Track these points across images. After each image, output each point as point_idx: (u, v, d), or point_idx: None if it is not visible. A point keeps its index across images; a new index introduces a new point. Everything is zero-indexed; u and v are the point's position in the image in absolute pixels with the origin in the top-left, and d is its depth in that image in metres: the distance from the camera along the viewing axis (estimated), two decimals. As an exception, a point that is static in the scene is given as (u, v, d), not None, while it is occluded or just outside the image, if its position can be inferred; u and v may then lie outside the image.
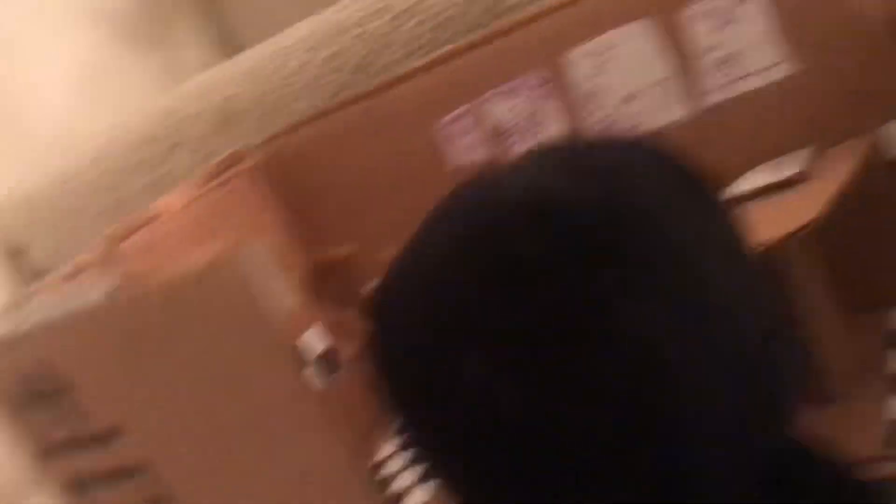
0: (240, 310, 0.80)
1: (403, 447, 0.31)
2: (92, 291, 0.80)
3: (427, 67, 1.02)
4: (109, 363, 0.81)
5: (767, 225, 0.66)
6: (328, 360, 1.17)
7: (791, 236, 0.61)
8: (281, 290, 1.16)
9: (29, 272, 1.63)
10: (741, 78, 0.85)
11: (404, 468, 1.05)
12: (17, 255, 1.68)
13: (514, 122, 0.98)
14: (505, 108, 0.98)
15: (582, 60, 0.91)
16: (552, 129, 0.96)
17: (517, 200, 0.31)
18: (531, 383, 0.30)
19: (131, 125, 1.54)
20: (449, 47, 1.02)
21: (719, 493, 0.30)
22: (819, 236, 0.84)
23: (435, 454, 0.32)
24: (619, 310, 0.29)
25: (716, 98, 0.87)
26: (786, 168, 0.76)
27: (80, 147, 1.67)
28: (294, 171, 1.14)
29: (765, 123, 0.86)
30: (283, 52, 1.25)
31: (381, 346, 0.32)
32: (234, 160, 1.15)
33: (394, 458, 1.09)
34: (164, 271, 0.91)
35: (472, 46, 0.98)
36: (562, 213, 0.30)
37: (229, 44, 2.49)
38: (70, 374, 0.82)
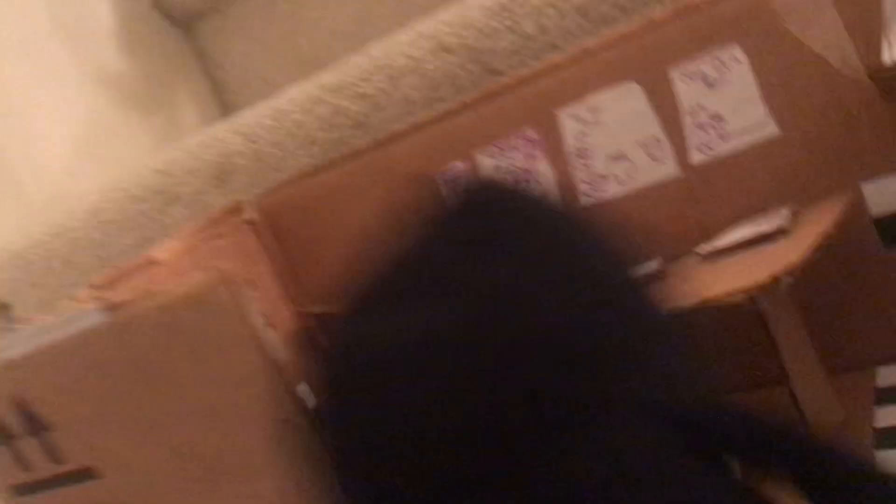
0: (230, 339, 0.79)
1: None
2: (70, 324, 0.80)
3: (423, 125, 1.05)
4: (86, 398, 0.80)
5: (747, 273, 0.67)
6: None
7: (771, 282, 0.62)
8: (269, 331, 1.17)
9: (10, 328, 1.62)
10: (725, 138, 0.88)
11: None
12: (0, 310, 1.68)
13: (506, 178, 1.01)
14: (493, 164, 1.00)
15: (570, 121, 0.94)
16: (544, 184, 0.98)
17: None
18: None
19: (125, 182, 1.56)
20: (444, 107, 1.04)
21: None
22: (799, 294, 0.86)
23: None
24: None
25: (701, 157, 0.89)
26: (767, 223, 0.78)
27: (75, 206, 1.68)
28: (290, 225, 1.15)
29: (748, 181, 0.89)
30: (280, 111, 1.28)
31: None
32: (231, 212, 1.17)
33: None
34: (149, 300, 0.91)
35: (465, 106, 1.01)
36: None
37: (226, 105, 2.54)
38: (44, 411, 0.81)
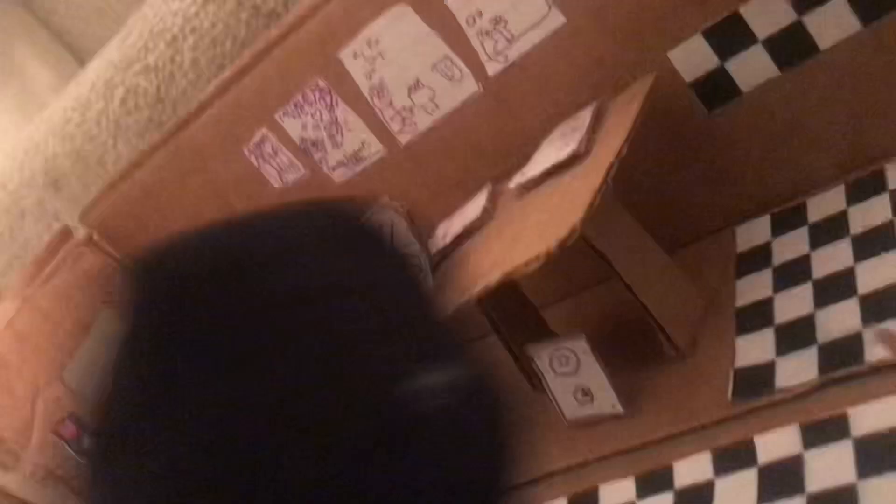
0: None
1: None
2: None
3: (211, 100, 0.95)
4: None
5: (542, 232, 0.62)
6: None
7: (560, 245, 0.57)
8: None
9: None
10: (513, 39, 0.79)
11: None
12: None
13: (316, 134, 0.92)
14: (299, 124, 0.91)
15: (353, 60, 0.85)
16: (355, 129, 0.90)
17: None
18: None
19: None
20: (229, 71, 0.94)
21: None
22: (633, 177, 0.80)
23: None
24: None
25: (497, 66, 0.81)
26: (569, 141, 0.71)
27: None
28: (124, 233, 1.08)
29: (553, 78, 0.81)
30: (83, 102, 1.17)
31: None
32: (63, 238, 1.09)
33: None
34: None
35: (243, 71, 0.91)
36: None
37: (76, 50, 2.36)
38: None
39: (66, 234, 1.08)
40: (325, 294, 0.34)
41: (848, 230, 0.73)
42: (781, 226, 0.79)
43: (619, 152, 0.64)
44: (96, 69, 1.18)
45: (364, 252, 0.36)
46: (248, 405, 0.31)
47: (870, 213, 0.73)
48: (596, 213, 0.62)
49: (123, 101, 1.11)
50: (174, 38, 1.03)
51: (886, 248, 0.68)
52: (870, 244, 0.70)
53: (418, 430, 0.32)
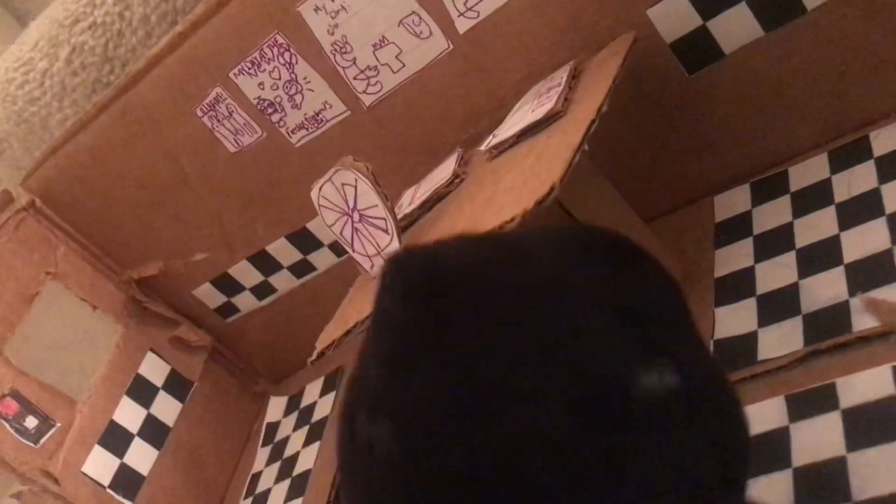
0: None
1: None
2: None
3: (161, 56, 0.89)
4: None
5: (517, 194, 0.58)
6: (176, 380, 1.09)
7: (536, 205, 0.53)
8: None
9: None
10: (486, -5, 0.75)
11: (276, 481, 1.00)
12: None
13: (274, 94, 0.87)
14: (255, 83, 0.86)
15: (314, 14, 0.80)
16: (317, 89, 0.85)
17: None
18: None
19: None
20: (183, 22, 0.88)
21: None
22: (615, 142, 0.77)
23: None
24: None
25: (468, 22, 0.76)
26: (543, 101, 0.67)
27: None
28: (69, 199, 1.02)
29: (526, 37, 0.77)
30: (25, 62, 1.09)
31: None
32: (2, 204, 1.02)
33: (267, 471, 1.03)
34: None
35: (203, 19, 0.85)
36: None
37: (19, 15, 2.26)
38: None
39: (6, 199, 1.01)
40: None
41: (832, 198, 0.70)
42: (762, 194, 0.76)
43: (599, 109, 0.60)
44: (40, 27, 1.11)
45: (626, 265, 0.38)
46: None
47: (854, 181, 0.70)
48: (573, 180, 0.58)
49: (69, 60, 1.05)
50: (119, -6, 0.97)
51: (872, 216, 0.66)
52: (855, 212, 0.68)
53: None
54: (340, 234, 0.75)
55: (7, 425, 0.93)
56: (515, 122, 0.69)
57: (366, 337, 0.38)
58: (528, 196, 0.56)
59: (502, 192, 0.61)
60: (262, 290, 1.06)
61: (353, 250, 0.75)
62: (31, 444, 0.93)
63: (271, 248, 1.01)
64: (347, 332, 0.70)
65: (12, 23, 2.16)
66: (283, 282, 1.04)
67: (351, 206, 0.73)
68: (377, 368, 0.35)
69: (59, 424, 0.96)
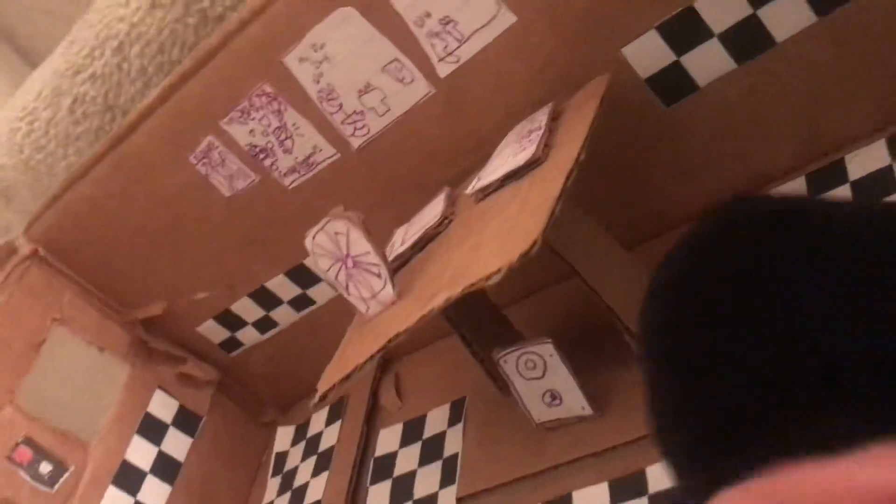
0: None
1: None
2: None
3: (153, 108, 0.91)
4: None
5: (501, 244, 0.60)
6: (185, 415, 1.12)
7: (521, 258, 0.55)
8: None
9: None
10: (464, 40, 0.77)
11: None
12: None
13: (265, 140, 0.89)
14: (246, 130, 0.88)
15: (299, 64, 0.82)
16: (306, 134, 0.88)
17: None
18: None
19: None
20: (172, 76, 0.91)
21: None
22: (585, 177, 0.79)
23: None
24: None
25: (449, 67, 0.79)
26: (524, 148, 0.69)
27: None
28: (71, 246, 1.04)
29: (506, 78, 0.79)
30: (29, 112, 1.12)
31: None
32: (6, 254, 1.05)
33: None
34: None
35: (192, 72, 0.87)
36: None
37: (24, 52, 2.28)
38: None
39: (9, 250, 1.04)
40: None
41: (809, 224, 0.72)
42: (742, 220, 0.78)
43: (578, 158, 0.63)
44: (42, 78, 1.13)
45: None
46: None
47: (830, 206, 0.72)
48: (557, 223, 0.60)
49: (71, 109, 1.07)
50: (121, 44, 0.99)
51: (848, 242, 0.68)
52: (831, 238, 0.69)
53: None
54: (336, 279, 0.77)
55: (22, 473, 0.95)
56: (499, 166, 0.71)
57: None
58: (514, 248, 0.58)
59: (488, 241, 0.64)
60: (264, 325, 1.08)
61: (349, 293, 0.77)
62: (48, 490, 0.96)
63: (271, 285, 1.03)
64: (347, 377, 0.72)
65: (16, 59, 2.19)
66: (284, 316, 1.07)
67: (344, 252, 0.75)
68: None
69: (72, 468, 0.99)
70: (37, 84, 1.14)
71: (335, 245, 0.76)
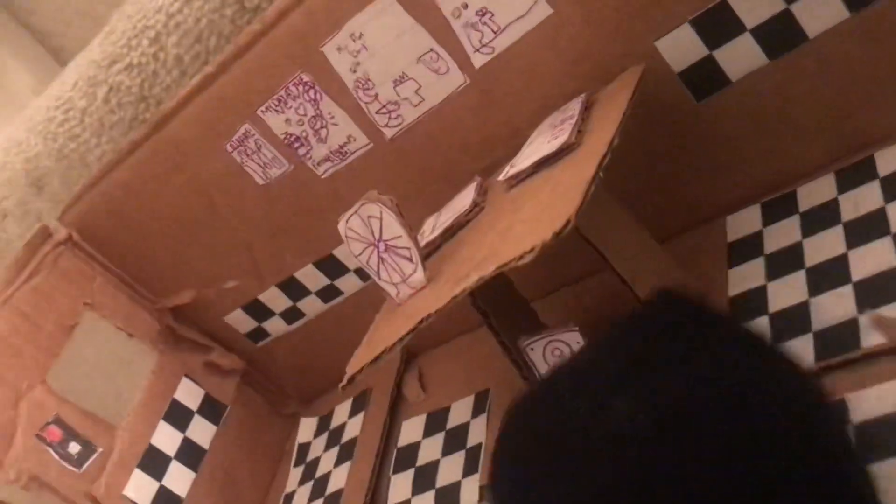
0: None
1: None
2: None
3: (192, 95, 0.93)
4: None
5: (535, 225, 0.61)
6: (210, 404, 1.13)
7: (554, 237, 0.56)
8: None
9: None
10: (500, 31, 0.78)
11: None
12: None
13: (300, 129, 0.91)
14: (282, 119, 0.90)
15: (337, 54, 0.83)
16: (341, 123, 0.89)
17: None
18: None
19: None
20: (210, 66, 0.93)
21: None
22: (626, 166, 0.80)
23: None
24: None
25: (484, 58, 0.80)
26: (558, 134, 0.70)
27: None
28: (105, 232, 1.06)
29: (539, 69, 0.80)
30: (65, 101, 1.15)
31: None
32: (41, 238, 1.07)
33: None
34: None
35: (225, 66, 0.89)
36: None
37: (55, 51, 2.33)
38: None
39: (44, 233, 1.06)
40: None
41: (840, 218, 0.73)
42: (772, 214, 0.79)
43: (612, 142, 0.64)
44: (78, 67, 1.16)
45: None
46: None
47: (861, 201, 0.73)
48: (588, 206, 0.61)
49: (106, 99, 1.10)
50: (157, 34, 1.01)
51: (879, 235, 0.68)
52: (862, 231, 0.70)
53: None
54: (367, 263, 0.78)
55: (52, 451, 0.97)
56: (532, 153, 0.73)
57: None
58: (547, 227, 0.59)
59: (520, 223, 0.65)
60: (291, 315, 1.10)
61: (380, 278, 0.78)
62: (75, 469, 0.98)
63: (299, 275, 1.04)
64: (376, 358, 0.73)
65: (50, 61, 2.23)
66: (311, 306, 1.08)
67: (377, 236, 0.76)
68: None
69: (100, 450, 1.00)
70: (73, 74, 1.16)
71: (368, 229, 0.77)
